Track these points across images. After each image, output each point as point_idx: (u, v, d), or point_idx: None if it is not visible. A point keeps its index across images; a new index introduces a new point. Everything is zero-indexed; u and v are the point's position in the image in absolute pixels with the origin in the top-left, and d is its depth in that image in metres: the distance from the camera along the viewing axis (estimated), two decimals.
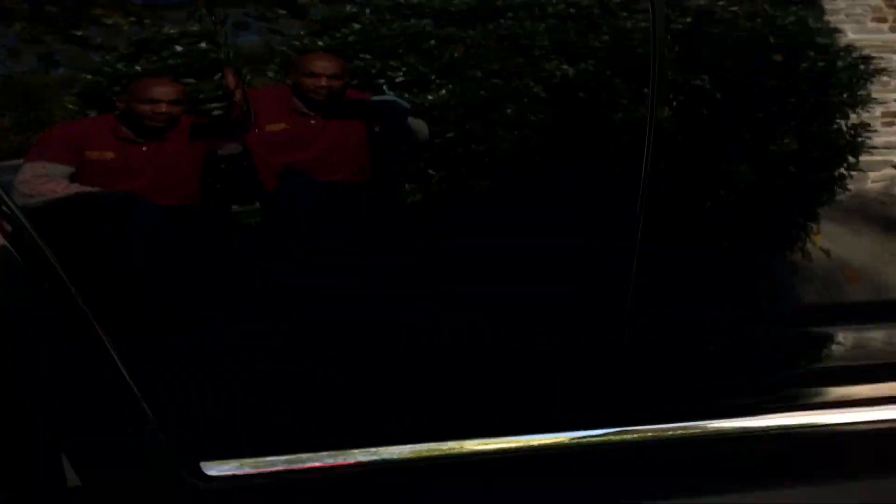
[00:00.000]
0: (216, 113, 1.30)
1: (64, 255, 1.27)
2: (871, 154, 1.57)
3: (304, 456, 1.45)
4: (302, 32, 1.31)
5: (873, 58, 1.56)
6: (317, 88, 1.33)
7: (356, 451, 1.49)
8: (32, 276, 1.26)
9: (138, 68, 1.27)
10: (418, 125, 1.35)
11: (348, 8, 1.32)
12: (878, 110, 1.56)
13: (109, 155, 1.29)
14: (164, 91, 1.28)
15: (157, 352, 1.36)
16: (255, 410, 1.44)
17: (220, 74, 1.29)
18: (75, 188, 1.27)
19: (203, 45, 1.29)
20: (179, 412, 1.39)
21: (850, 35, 1.56)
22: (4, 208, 1.23)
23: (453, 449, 1.52)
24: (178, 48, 1.26)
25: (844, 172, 1.56)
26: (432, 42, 1.34)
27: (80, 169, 1.27)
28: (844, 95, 1.55)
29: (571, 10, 1.41)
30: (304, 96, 1.32)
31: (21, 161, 1.26)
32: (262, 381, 1.42)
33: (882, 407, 1.71)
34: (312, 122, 1.34)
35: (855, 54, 1.55)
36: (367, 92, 1.36)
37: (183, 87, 1.28)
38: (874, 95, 1.56)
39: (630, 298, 1.49)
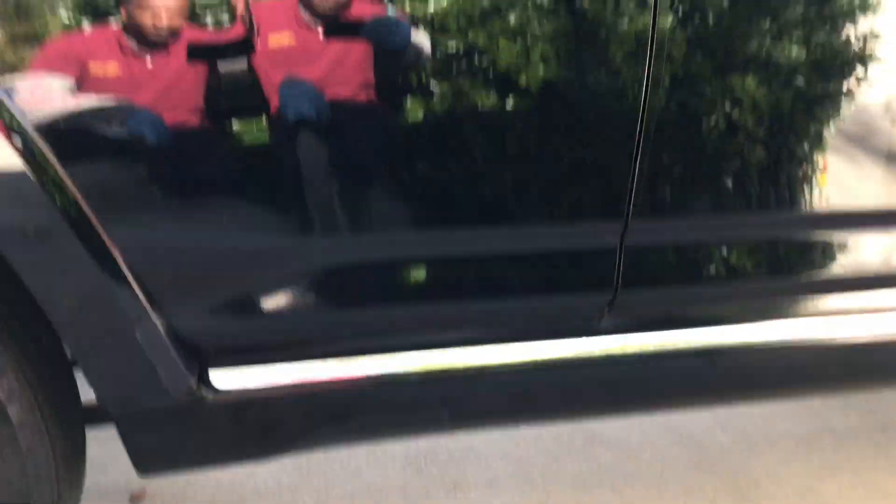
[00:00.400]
0: (218, 26, 1.27)
1: (70, 166, 1.26)
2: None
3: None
4: None
5: None
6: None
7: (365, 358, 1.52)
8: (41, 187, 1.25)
9: None
10: (419, 41, 1.34)
11: None
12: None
13: (113, 67, 1.26)
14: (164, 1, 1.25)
15: (161, 252, 1.36)
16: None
17: None
18: (79, 101, 1.25)
19: None
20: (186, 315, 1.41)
21: None
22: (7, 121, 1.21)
23: (463, 362, 1.55)
24: None
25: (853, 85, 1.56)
26: None
27: (82, 81, 1.25)
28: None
29: None
30: (310, 7, 1.30)
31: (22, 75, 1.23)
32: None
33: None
34: (318, 35, 1.31)
35: None
36: (371, 5, 1.33)
37: None
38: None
39: (630, 204, 1.51)
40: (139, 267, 1.33)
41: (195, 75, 1.28)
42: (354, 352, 1.52)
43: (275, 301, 1.45)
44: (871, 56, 1.54)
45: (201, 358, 1.44)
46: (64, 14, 1.23)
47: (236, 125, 1.33)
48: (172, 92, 1.28)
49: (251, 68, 1.30)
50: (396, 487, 2.25)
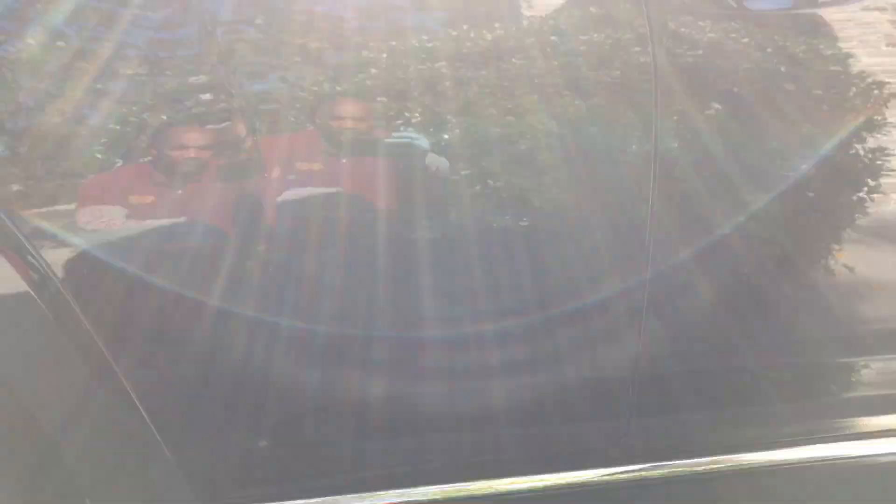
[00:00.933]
0: (242, 158, 1.36)
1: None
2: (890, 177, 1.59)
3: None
4: (321, 79, 1.37)
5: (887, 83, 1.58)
6: (343, 130, 1.38)
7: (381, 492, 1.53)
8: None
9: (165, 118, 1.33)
10: (439, 162, 1.41)
11: (364, 54, 1.38)
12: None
13: (149, 199, 1.35)
14: (191, 137, 1.34)
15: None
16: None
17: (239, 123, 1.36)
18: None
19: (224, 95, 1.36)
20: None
21: (865, 59, 1.58)
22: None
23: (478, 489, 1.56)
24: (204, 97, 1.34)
25: (864, 196, 1.58)
26: (447, 83, 1.40)
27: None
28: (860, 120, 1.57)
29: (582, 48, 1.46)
30: (332, 138, 1.39)
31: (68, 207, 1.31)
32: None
33: None
34: (343, 161, 1.40)
35: (869, 80, 1.57)
36: (388, 133, 1.40)
37: (207, 132, 1.34)
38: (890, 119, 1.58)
39: (643, 321, 1.53)
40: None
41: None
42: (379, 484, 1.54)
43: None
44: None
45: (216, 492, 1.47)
46: None
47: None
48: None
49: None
50: None
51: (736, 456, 1.65)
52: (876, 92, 1.57)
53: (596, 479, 1.60)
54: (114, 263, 1.31)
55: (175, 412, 1.40)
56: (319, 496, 1.50)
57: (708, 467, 1.64)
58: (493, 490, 1.57)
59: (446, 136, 1.40)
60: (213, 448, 1.44)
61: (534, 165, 1.43)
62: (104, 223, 1.30)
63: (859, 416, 1.73)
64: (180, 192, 1.33)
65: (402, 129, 1.39)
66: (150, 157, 1.32)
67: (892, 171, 1.58)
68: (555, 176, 1.45)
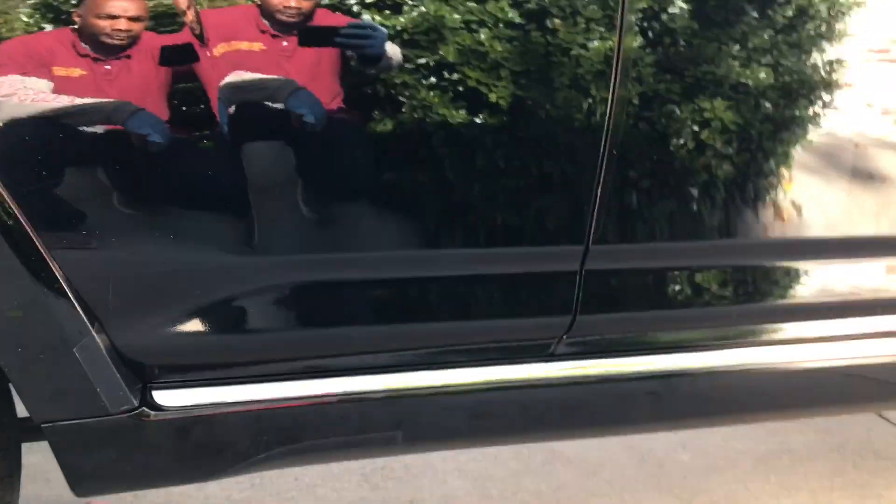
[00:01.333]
0: (174, 33, 1.22)
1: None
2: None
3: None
4: None
5: None
6: (287, 7, 1.26)
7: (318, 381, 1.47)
8: None
9: None
10: (394, 51, 1.29)
11: None
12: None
13: (77, 72, 1.21)
14: (122, 6, 1.21)
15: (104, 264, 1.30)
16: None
17: None
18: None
19: None
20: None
21: None
22: None
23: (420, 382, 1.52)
24: None
25: (819, 111, 1.54)
26: None
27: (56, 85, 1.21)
28: (823, 29, 1.52)
29: None
30: (273, 16, 1.26)
31: None
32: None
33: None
34: (284, 43, 1.27)
35: None
36: (338, 15, 1.28)
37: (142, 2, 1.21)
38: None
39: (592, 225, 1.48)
40: (79, 282, 1.28)
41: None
42: (308, 372, 1.48)
43: (222, 319, 1.41)
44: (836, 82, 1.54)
45: (145, 376, 1.39)
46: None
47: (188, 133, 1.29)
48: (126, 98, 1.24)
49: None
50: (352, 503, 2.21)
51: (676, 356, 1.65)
52: None
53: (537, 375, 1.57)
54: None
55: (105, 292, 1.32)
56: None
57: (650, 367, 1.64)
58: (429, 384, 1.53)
59: (402, 20, 1.28)
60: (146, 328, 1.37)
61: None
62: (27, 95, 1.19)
63: (795, 321, 1.74)
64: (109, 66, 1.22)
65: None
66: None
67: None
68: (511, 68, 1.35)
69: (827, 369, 1.72)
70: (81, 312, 1.29)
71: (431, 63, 1.31)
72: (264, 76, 1.28)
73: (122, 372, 1.34)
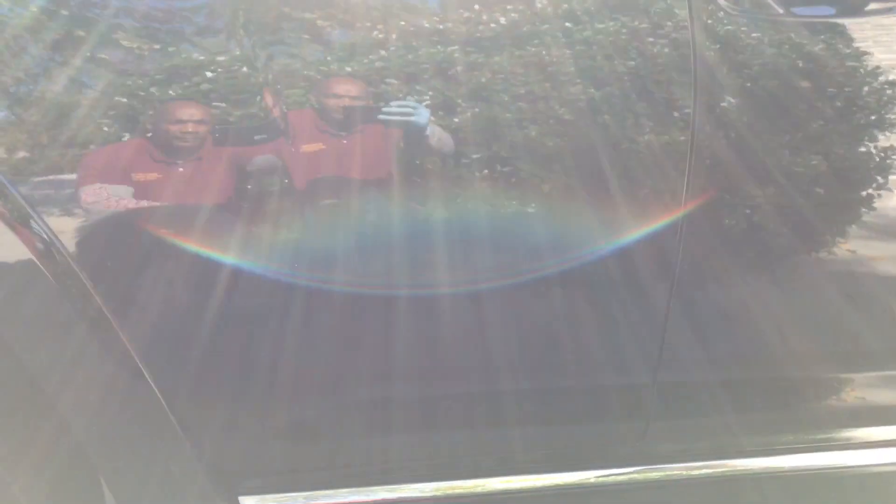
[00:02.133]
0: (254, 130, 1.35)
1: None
2: None
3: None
4: (329, 58, 1.37)
5: None
6: (340, 109, 1.37)
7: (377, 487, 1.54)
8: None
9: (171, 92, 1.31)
10: (442, 135, 1.39)
11: (375, 34, 1.37)
12: None
13: (153, 176, 1.34)
14: (190, 112, 1.33)
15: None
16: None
17: (259, 97, 1.35)
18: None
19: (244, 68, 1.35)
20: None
21: (879, 56, 1.57)
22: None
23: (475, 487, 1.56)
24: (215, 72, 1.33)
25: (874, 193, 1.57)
26: (459, 68, 1.39)
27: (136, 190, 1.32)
28: (872, 118, 1.56)
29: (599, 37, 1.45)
30: (330, 117, 1.37)
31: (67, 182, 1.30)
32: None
33: None
34: (344, 141, 1.39)
35: (882, 77, 1.56)
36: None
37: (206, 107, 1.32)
38: None
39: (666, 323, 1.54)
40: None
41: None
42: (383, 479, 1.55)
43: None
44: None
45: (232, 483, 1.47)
46: None
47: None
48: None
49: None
50: None
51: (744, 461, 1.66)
52: (889, 91, 1.56)
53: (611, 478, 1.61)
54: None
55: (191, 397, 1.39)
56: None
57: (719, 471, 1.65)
58: (504, 488, 1.58)
59: (456, 120, 1.39)
60: (229, 435, 1.44)
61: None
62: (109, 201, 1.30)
63: (859, 426, 1.73)
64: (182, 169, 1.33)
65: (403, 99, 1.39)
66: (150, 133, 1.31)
67: None
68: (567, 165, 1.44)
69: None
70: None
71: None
72: None
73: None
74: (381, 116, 1.37)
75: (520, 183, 1.41)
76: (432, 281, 1.43)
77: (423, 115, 1.38)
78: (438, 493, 1.55)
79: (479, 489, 1.56)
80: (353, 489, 1.52)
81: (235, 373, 1.40)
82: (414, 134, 1.39)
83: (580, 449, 1.64)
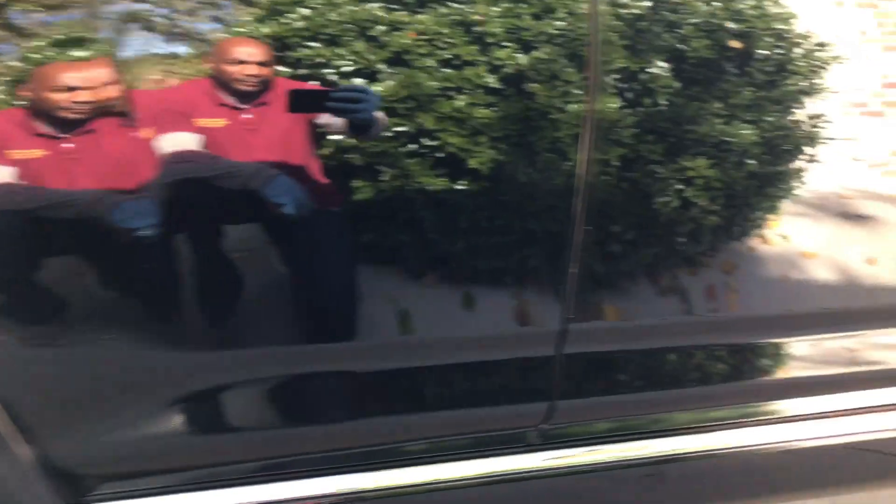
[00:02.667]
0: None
1: None
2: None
3: None
4: (244, 19, 1.21)
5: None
6: (248, 76, 1.21)
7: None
8: None
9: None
10: (382, 118, 1.26)
11: None
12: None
13: (36, 153, 1.17)
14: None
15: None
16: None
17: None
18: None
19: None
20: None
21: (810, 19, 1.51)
22: None
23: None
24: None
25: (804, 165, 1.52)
26: (381, 28, 1.25)
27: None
28: (803, 84, 1.51)
29: None
30: (231, 87, 1.21)
31: None
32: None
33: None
34: (247, 116, 1.22)
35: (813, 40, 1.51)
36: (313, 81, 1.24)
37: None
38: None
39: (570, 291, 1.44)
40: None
41: None
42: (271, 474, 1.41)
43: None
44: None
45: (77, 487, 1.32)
46: None
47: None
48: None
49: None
50: None
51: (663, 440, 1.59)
52: (820, 53, 1.51)
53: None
54: None
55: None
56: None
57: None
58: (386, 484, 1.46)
59: (379, 89, 1.25)
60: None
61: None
62: None
63: (788, 397, 1.69)
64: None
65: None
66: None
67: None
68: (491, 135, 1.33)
69: (830, 447, 1.67)
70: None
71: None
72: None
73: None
74: (309, 100, 1.22)
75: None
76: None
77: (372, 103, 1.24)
78: (303, 494, 1.42)
79: (354, 487, 1.44)
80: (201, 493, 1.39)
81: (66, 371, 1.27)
82: (359, 130, 1.25)
83: (477, 435, 1.53)
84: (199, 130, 1.19)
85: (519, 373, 1.51)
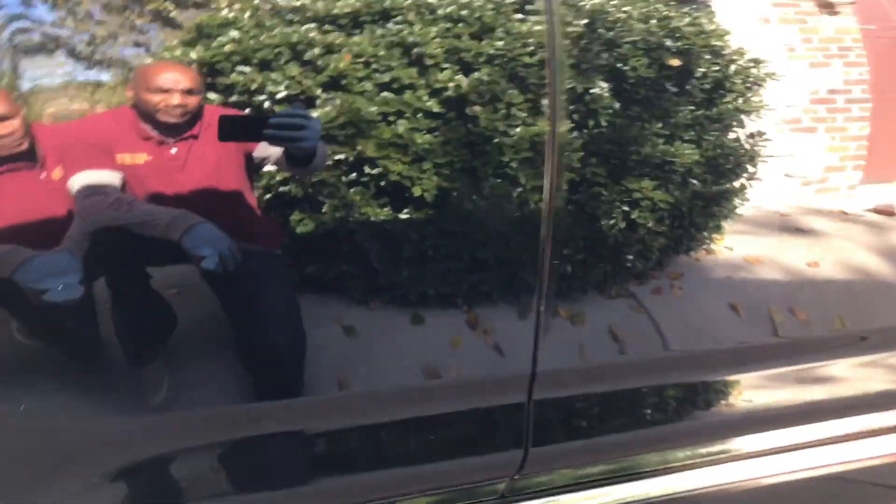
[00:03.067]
0: None
1: None
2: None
3: None
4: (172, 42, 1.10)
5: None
6: (172, 106, 1.09)
7: None
8: None
9: None
10: (323, 148, 1.15)
11: (224, 13, 1.11)
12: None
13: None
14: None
15: None
16: None
17: None
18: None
19: None
20: None
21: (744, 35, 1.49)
22: None
23: None
24: None
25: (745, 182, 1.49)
26: (316, 51, 1.16)
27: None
28: (740, 102, 1.49)
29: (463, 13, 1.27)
30: (154, 118, 1.09)
31: None
32: None
33: None
34: (172, 150, 1.11)
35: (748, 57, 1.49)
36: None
37: None
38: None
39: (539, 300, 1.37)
40: None
41: None
42: None
43: None
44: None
45: None
46: None
47: None
48: None
49: None
50: None
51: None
52: (754, 70, 1.49)
53: None
54: None
55: None
56: None
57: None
58: None
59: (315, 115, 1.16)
60: None
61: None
62: None
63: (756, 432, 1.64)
64: None
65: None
66: None
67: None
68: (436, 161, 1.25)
69: (807, 479, 1.62)
70: None
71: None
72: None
73: None
74: (243, 128, 1.11)
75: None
76: None
77: (315, 130, 1.12)
78: None
79: None
80: None
81: None
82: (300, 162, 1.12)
83: (445, 488, 1.44)
84: (119, 168, 1.08)
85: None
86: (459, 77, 1.26)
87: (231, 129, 1.09)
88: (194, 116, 1.10)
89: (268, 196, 1.16)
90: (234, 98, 1.12)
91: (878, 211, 1.62)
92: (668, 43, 1.42)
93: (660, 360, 1.47)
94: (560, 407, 1.46)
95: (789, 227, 1.56)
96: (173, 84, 1.08)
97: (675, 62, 1.43)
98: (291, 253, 1.19)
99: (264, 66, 1.13)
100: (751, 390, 1.61)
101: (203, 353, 1.18)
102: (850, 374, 1.65)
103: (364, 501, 1.35)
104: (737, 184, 1.49)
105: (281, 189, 1.17)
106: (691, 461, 1.53)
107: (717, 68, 1.46)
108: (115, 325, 1.09)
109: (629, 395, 1.50)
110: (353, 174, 1.20)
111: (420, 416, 1.38)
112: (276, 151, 1.13)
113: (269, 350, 1.20)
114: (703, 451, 1.54)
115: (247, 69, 1.12)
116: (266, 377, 1.22)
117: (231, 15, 1.10)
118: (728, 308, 1.51)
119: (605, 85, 1.37)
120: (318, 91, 1.16)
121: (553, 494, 1.45)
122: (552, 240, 1.33)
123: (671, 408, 1.57)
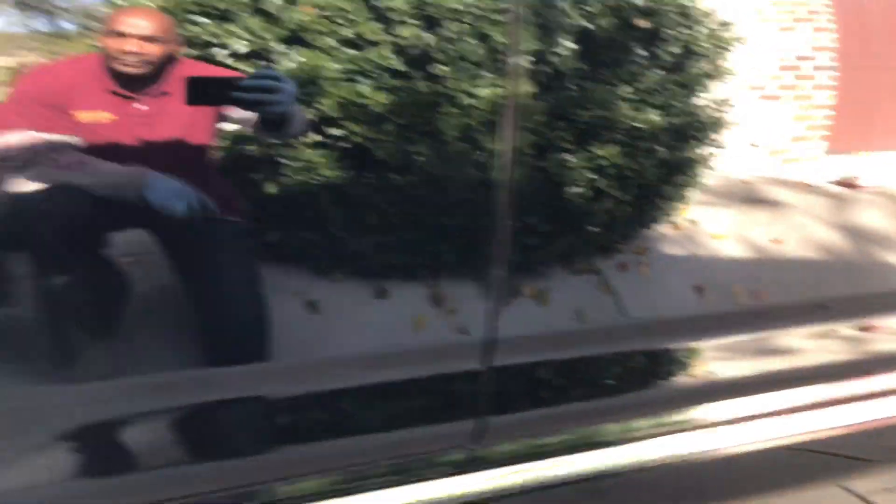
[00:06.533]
0: None
1: None
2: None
3: None
4: None
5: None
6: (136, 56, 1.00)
7: None
8: None
9: None
10: (301, 114, 1.08)
11: None
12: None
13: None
14: None
15: None
16: None
17: None
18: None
19: None
20: None
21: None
22: None
23: None
24: None
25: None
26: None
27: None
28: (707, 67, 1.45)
29: None
30: (118, 70, 1.01)
31: None
32: None
33: None
34: (139, 106, 1.03)
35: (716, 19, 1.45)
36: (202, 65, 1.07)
37: None
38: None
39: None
40: None
41: None
42: None
43: None
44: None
45: None
46: None
47: None
48: None
49: None
50: None
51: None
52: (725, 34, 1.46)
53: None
54: None
55: None
56: None
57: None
58: None
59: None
60: None
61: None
62: None
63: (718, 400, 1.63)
64: None
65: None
66: None
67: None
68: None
69: (770, 448, 1.60)
70: None
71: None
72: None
73: None
74: (212, 90, 1.02)
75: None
76: None
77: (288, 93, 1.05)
78: None
79: None
80: None
81: None
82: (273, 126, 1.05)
83: (401, 460, 1.40)
84: (77, 123, 1.00)
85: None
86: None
87: (198, 92, 1.01)
88: (166, 70, 1.03)
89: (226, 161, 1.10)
90: (190, 52, 1.05)
91: (841, 183, 1.62)
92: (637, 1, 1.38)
93: (621, 328, 1.46)
94: (520, 375, 1.43)
95: (753, 199, 1.55)
96: (138, 30, 1.00)
97: (643, 23, 1.39)
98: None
99: (222, 17, 1.06)
100: (713, 360, 1.61)
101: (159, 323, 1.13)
102: (812, 344, 1.66)
103: (320, 470, 1.31)
104: (703, 151, 1.46)
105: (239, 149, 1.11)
106: (654, 430, 1.52)
107: (685, 30, 1.43)
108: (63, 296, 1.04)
109: (591, 362, 1.48)
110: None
111: (377, 383, 1.34)
112: (251, 115, 1.06)
113: (228, 318, 1.15)
114: (666, 420, 1.53)
115: (204, 20, 1.05)
116: (219, 345, 1.17)
117: None
118: (691, 289, 1.50)
119: (570, 45, 1.33)
120: (277, 45, 1.10)
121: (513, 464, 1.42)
122: (513, 205, 1.30)
123: (632, 377, 1.56)
